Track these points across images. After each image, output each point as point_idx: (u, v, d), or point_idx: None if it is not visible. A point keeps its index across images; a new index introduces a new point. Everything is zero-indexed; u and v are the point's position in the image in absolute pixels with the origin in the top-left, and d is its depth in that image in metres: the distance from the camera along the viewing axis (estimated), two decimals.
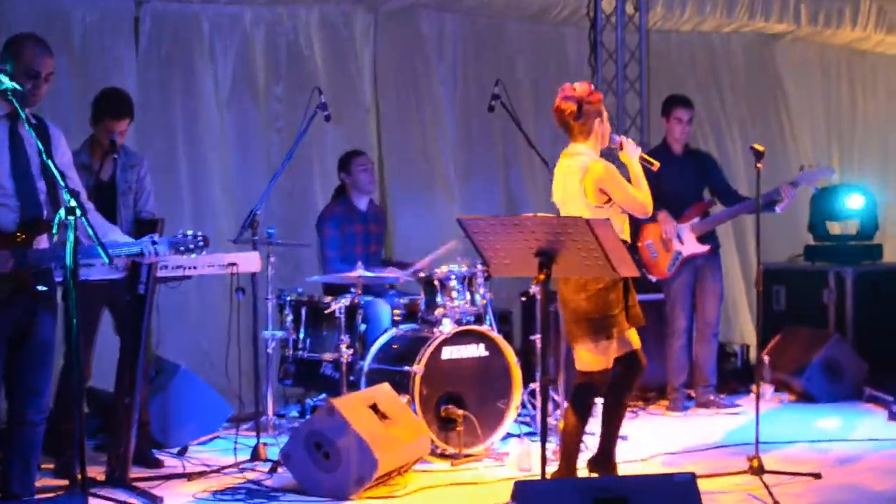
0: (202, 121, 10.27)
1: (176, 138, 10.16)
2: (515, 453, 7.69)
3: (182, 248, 6.25)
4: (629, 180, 6.87)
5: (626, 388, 7.01)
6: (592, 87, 7.00)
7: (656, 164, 6.99)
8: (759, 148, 7.52)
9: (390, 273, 8.82)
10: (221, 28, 10.40)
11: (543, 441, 5.79)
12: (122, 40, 9.96)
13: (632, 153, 6.96)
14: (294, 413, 9.18)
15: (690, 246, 9.36)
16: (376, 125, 11.20)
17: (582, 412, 6.84)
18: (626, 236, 6.78)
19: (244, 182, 10.34)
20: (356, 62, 11.04)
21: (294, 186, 10.50)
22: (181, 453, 8.07)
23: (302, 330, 8.68)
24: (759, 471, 7.08)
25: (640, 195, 6.78)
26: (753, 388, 9.52)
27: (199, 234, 6.30)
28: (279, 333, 8.67)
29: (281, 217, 10.34)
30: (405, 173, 11.15)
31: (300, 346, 8.67)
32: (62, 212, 4.96)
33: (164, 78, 10.16)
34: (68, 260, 4.88)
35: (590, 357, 6.78)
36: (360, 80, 11.07)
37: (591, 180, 6.72)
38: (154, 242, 6.15)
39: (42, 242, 5.75)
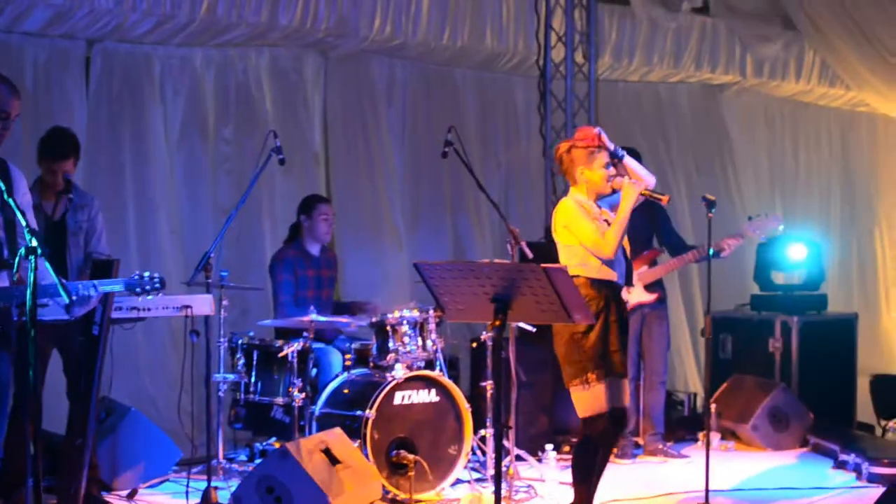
0: (151, 161, 10.24)
1: (124, 178, 10.13)
2: (466, 499, 7.69)
3: (138, 290, 6.21)
4: None
5: (605, 443, 6.96)
6: (582, 135, 6.99)
7: (664, 198, 6.97)
8: (711, 198, 7.62)
9: (343, 318, 8.82)
10: (172, 69, 10.39)
11: (498, 486, 5.81)
12: (72, 80, 9.92)
13: (631, 192, 6.88)
14: (243, 457, 9.11)
15: (637, 294, 9.39)
16: (325, 170, 11.20)
17: (583, 473, 6.87)
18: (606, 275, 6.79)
19: (192, 223, 10.33)
20: (306, 106, 11.05)
21: (241, 230, 10.44)
22: (130, 496, 8.00)
23: (253, 373, 8.62)
24: None
25: (590, 234, 6.74)
26: (701, 435, 9.65)
27: (156, 275, 6.27)
28: (230, 377, 8.62)
29: (228, 260, 10.23)
30: (354, 219, 11.15)
31: (251, 389, 8.61)
32: (22, 251, 4.93)
33: (114, 118, 10.13)
34: (28, 300, 4.85)
35: (581, 400, 6.76)
36: (309, 124, 11.08)
37: (557, 219, 6.87)
38: (94, 287, 6.09)
39: (1, 281, 5.70)
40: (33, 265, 4.92)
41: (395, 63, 11.62)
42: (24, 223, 5.12)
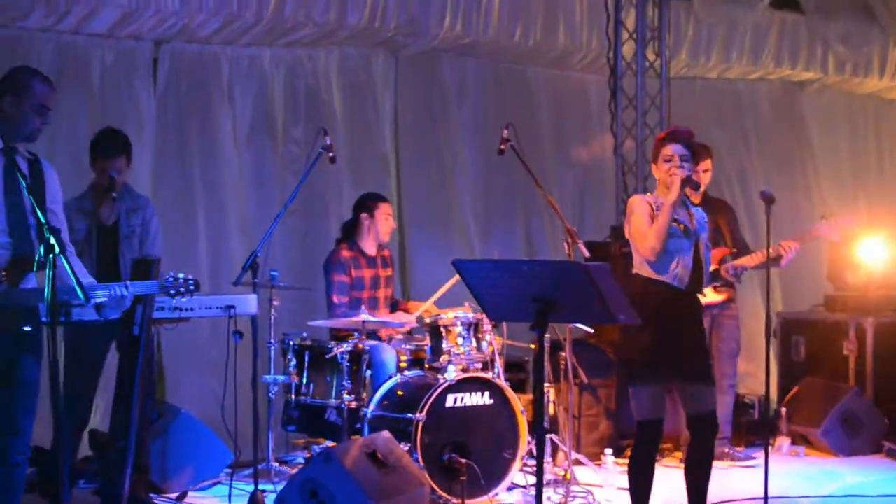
0: (220, 162, 10.22)
1: (193, 179, 10.11)
2: None
3: (172, 291, 6.17)
4: None
5: (693, 452, 6.92)
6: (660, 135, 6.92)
7: (696, 196, 6.81)
8: (771, 195, 7.43)
9: (395, 319, 8.74)
10: (240, 69, 10.36)
11: (539, 492, 5.68)
12: (140, 81, 9.92)
13: (674, 189, 6.72)
14: (300, 460, 9.06)
15: (707, 295, 9.20)
16: (395, 170, 11.13)
17: (632, 468, 6.81)
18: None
19: (261, 223, 10.23)
20: (375, 106, 10.98)
21: (308, 230, 10.44)
22: (180, 499, 7.99)
23: (305, 375, 8.54)
24: None
25: (636, 231, 6.70)
26: (773, 440, 9.45)
27: (190, 277, 6.23)
28: (281, 378, 8.55)
29: (294, 260, 10.29)
30: (423, 219, 11.07)
31: (303, 391, 8.53)
32: (41, 249, 4.90)
33: (183, 119, 10.12)
34: (46, 297, 4.82)
35: (632, 400, 6.69)
36: (378, 124, 11.01)
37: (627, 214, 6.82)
38: (126, 288, 6.04)
39: (30, 281, 5.69)
40: (52, 263, 4.88)
41: (467, 62, 11.53)
42: (42, 220, 5.08)
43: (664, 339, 6.61)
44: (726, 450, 9.49)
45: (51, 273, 4.86)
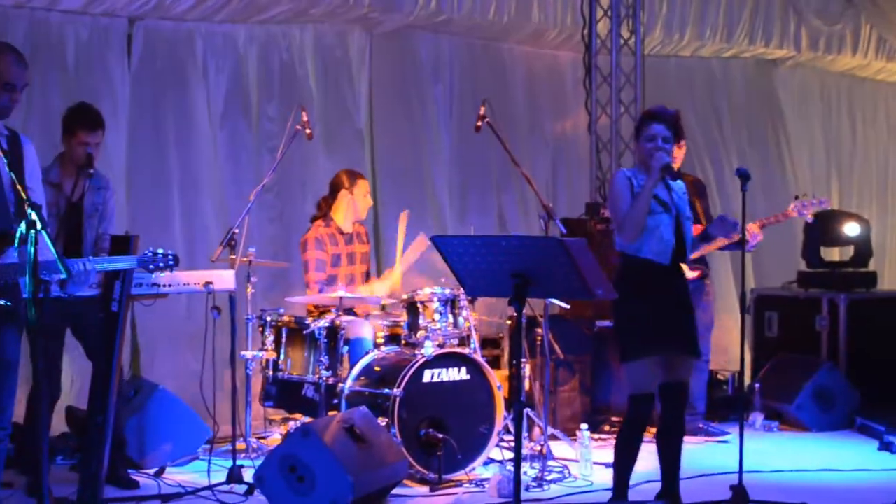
0: (194, 140, 10.18)
1: (168, 157, 10.07)
2: (496, 479, 7.59)
3: (151, 266, 6.18)
4: None
5: (665, 421, 6.94)
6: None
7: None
8: (746, 172, 7.43)
9: (370, 295, 8.76)
10: (215, 46, 10.32)
11: (518, 467, 5.71)
12: (114, 58, 9.86)
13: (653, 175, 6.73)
14: (277, 436, 9.07)
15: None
16: (370, 146, 11.12)
17: (621, 442, 6.85)
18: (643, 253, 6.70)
19: (236, 201, 10.24)
20: (350, 83, 10.96)
21: (284, 207, 10.45)
22: (158, 474, 7.98)
23: (282, 351, 8.55)
24: (742, 500, 6.99)
25: (615, 209, 6.75)
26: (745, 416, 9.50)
27: (170, 252, 6.24)
28: (259, 354, 8.56)
29: (270, 237, 10.29)
30: (398, 196, 11.05)
31: (280, 367, 8.54)
32: (23, 225, 4.89)
33: (157, 96, 10.08)
34: (28, 274, 4.81)
35: (626, 374, 6.74)
36: (354, 101, 10.98)
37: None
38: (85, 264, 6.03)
39: (9, 256, 5.67)
40: (34, 239, 4.88)
41: (441, 39, 11.52)
42: (24, 197, 5.07)
43: (652, 313, 6.66)
44: (700, 425, 9.56)
45: (32, 249, 4.85)
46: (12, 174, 5.23)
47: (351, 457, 6.93)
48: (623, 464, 6.84)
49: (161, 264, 6.20)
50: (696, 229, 9.06)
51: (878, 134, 14.49)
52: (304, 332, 8.35)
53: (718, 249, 8.62)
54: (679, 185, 6.92)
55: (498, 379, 8.25)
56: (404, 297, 8.45)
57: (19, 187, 5.15)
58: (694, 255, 9.04)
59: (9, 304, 5.65)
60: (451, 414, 7.99)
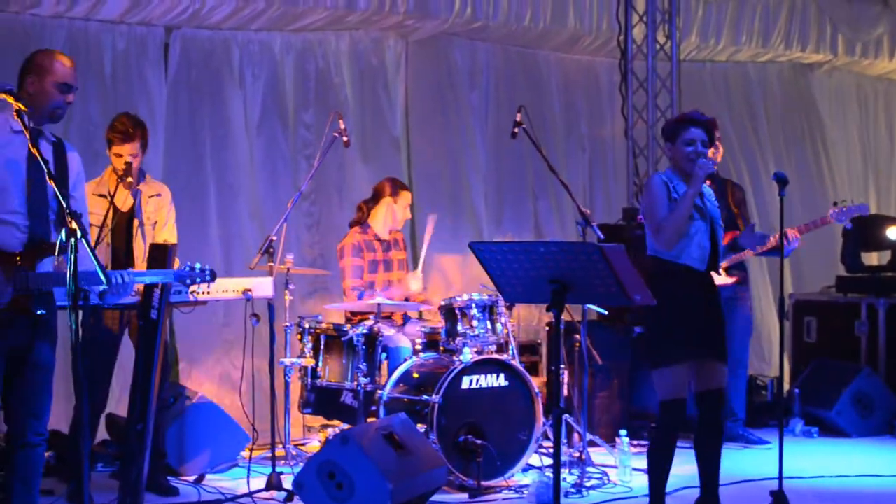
0: (231, 147, 10.22)
1: (205, 164, 10.11)
2: (535, 485, 7.58)
3: (188, 282, 6.21)
4: None
5: (703, 428, 6.90)
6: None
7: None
8: (784, 177, 7.40)
9: (410, 302, 8.77)
10: (251, 55, 10.35)
11: (557, 473, 5.70)
12: (151, 67, 9.92)
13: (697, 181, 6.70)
14: (316, 443, 9.09)
15: (717, 277, 9.19)
16: (406, 154, 11.13)
17: (654, 448, 6.82)
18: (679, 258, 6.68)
19: (272, 208, 10.26)
20: (386, 90, 10.97)
21: (321, 215, 10.47)
22: (198, 481, 8.03)
23: (321, 358, 8.57)
24: None
25: (652, 215, 6.71)
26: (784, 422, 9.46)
27: (207, 267, 6.26)
28: (298, 361, 8.58)
29: (308, 244, 10.32)
30: (434, 204, 11.03)
31: (319, 374, 8.57)
32: (63, 234, 4.92)
33: (194, 104, 10.12)
34: (69, 281, 4.84)
35: (656, 381, 6.70)
36: (390, 108, 10.99)
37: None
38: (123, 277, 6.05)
39: (46, 265, 5.69)
40: (73, 247, 4.90)
41: (477, 45, 11.50)
42: (64, 205, 5.09)
43: (686, 318, 6.63)
44: (740, 431, 9.50)
45: (73, 257, 4.88)
46: (53, 184, 5.24)
47: (390, 463, 6.94)
48: (658, 470, 6.80)
49: (198, 279, 6.22)
50: (725, 237, 9.11)
51: None
52: (343, 339, 8.38)
53: (756, 255, 8.63)
54: (709, 191, 6.89)
55: (536, 385, 8.24)
56: (442, 303, 8.45)
57: (60, 197, 5.17)
58: (724, 265, 9.06)
59: (44, 312, 5.67)
60: (490, 420, 8.00)
